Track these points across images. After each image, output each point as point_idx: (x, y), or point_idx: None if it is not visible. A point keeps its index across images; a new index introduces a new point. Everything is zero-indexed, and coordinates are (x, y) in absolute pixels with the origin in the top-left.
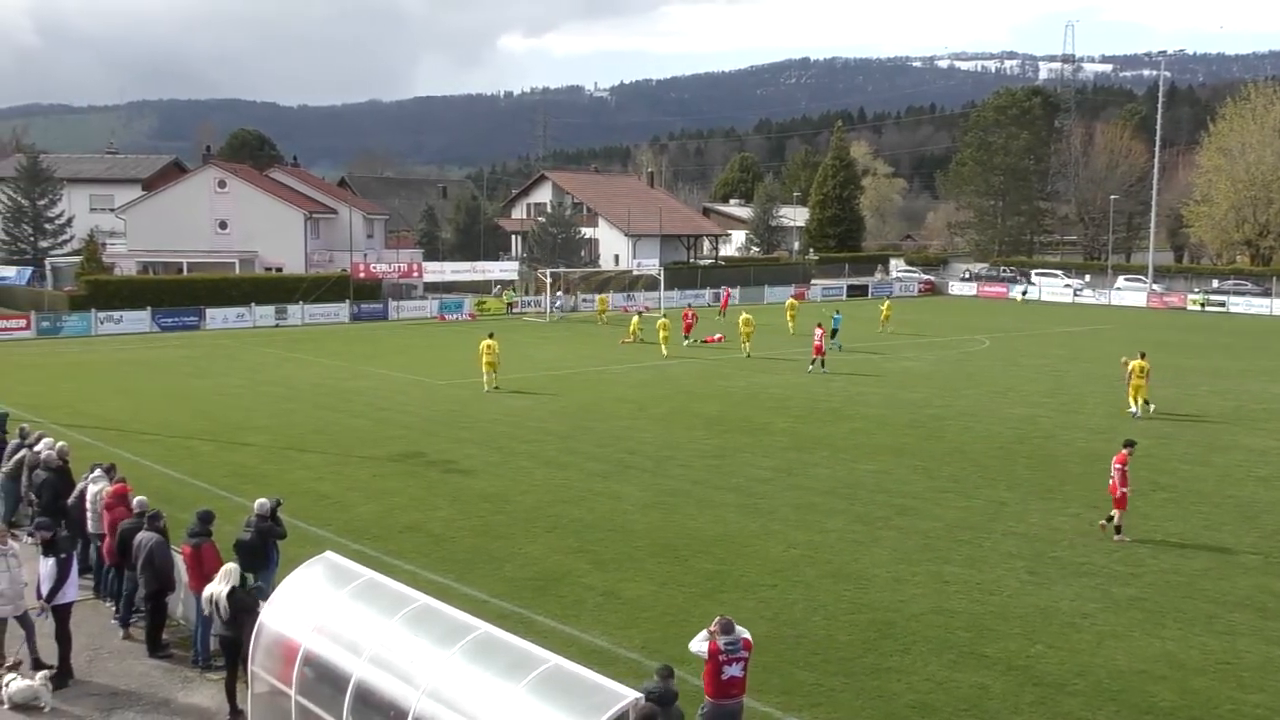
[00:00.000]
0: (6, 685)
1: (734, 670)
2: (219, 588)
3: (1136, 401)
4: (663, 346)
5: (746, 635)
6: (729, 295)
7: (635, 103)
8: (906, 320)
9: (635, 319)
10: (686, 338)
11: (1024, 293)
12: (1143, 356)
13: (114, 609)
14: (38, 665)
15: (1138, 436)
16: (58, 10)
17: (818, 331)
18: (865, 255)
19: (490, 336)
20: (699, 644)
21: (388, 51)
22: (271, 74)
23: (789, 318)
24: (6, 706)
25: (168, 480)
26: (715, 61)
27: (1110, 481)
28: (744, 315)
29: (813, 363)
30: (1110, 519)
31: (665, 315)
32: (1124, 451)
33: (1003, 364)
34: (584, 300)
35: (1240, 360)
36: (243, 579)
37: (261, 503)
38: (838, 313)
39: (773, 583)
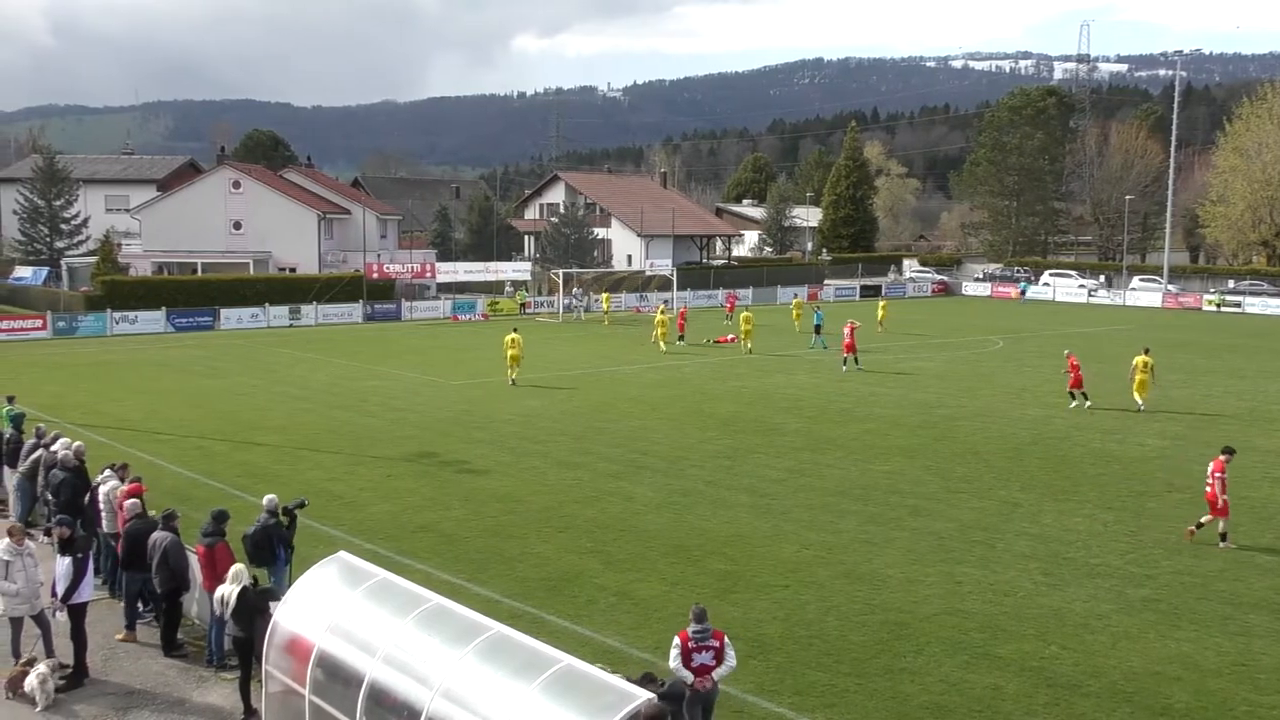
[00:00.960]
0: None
1: (703, 658)
2: (229, 588)
3: (1141, 397)
4: (660, 343)
5: (730, 654)
6: (734, 299)
7: (648, 103)
8: (918, 321)
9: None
10: (682, 337)
11: (1022, 291)
12: (1146, 352)
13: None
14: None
15: (1152, 438)
16: (73, 11)
17: (846, 330)
18: (878, 256)
19: (515, 331)
20: (675, 660)
21: (401, 52)
22: (286, 74)
23: (794, 317)
24: (12, 698)
25: (181, 480)
26: (728, 62)
27: (1208, 489)
28: (744, 314)
29: (845, 361)
30: (1200, 525)
31: (664, 313)
32: (1221, 458)
33: (1016, 364)
34: (596, 300)
35: (1256, 361)
36: (254, 581)
37: (270, 499)
38: (819, 309)
39: (785, 583)
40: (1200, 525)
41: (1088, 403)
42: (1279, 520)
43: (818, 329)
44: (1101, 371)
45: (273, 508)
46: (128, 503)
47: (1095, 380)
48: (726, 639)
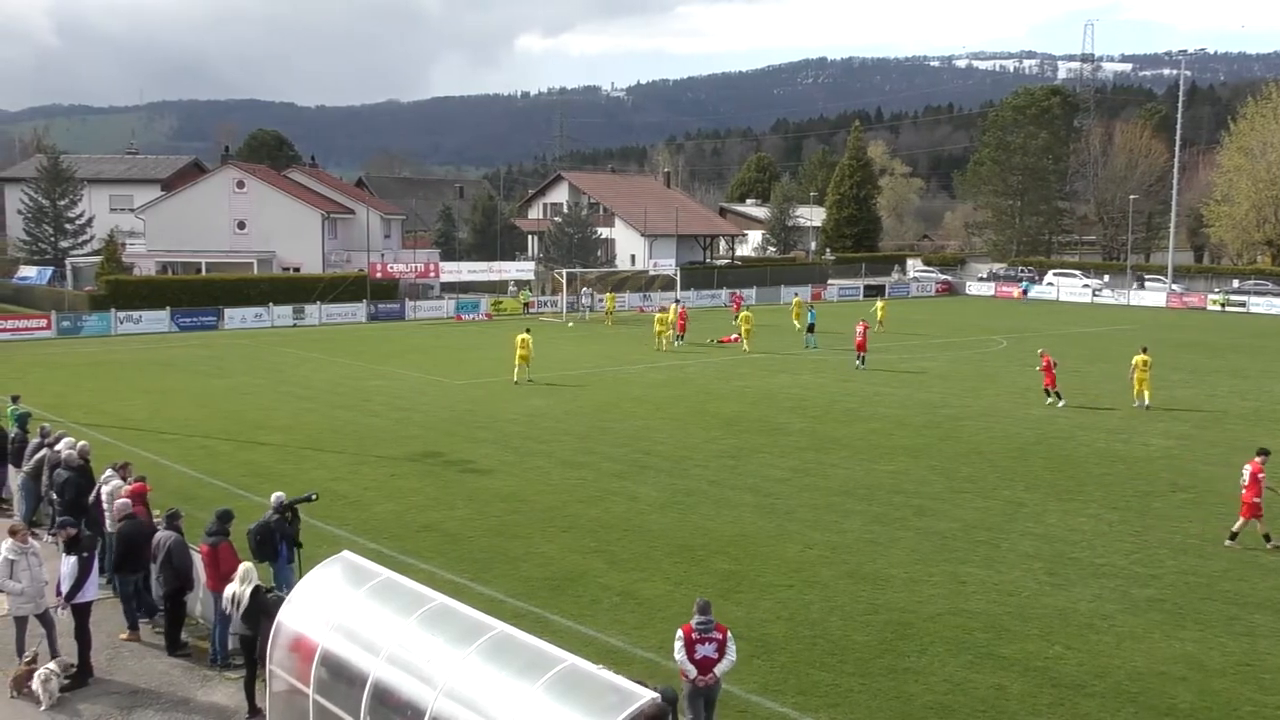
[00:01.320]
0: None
1: (706, 650)
2: (241, 588)
3: (1140, 395)
4: (659, 341)
5: (731, 648)
6: (740, 299)
7: (652, 103)
8: (922, 320)
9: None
10: (680, 337)
11: (1024, 291)
12: (1144, 351)
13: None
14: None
15: (1157, 437)
16: (78, 11)
17: (859, 328)
18: (882, 255)
19: (527, 331)
20: (679, 652)
21: (405, 52)
22: (290, 74)
23: (794, 316)
24: (17, 697)
25: (186, 479)
26: (732, 61)
27: (1243, 490)
28: (744, 313)
29: (859, 358)
30: (1268, 536)
31: (663, 311)
32: (1257, 459)
33: (1020, 364)
34: (600, 300)
35: (1260, 361)
36: (267, 588)
37: (277, 496)
38: (812, 308)
39: (789, 583)
40: (1268, 536)
41: (1050, 398)
42: None
43: (811, 328)
44: (1108, 373)
45: (278, 504)
46: (117, 503)
47: (1098, 380)
48: (729, 633)
